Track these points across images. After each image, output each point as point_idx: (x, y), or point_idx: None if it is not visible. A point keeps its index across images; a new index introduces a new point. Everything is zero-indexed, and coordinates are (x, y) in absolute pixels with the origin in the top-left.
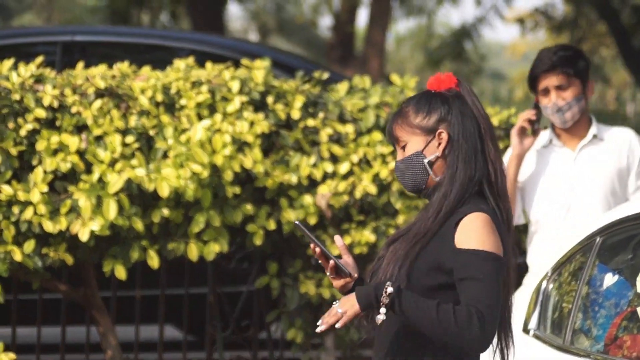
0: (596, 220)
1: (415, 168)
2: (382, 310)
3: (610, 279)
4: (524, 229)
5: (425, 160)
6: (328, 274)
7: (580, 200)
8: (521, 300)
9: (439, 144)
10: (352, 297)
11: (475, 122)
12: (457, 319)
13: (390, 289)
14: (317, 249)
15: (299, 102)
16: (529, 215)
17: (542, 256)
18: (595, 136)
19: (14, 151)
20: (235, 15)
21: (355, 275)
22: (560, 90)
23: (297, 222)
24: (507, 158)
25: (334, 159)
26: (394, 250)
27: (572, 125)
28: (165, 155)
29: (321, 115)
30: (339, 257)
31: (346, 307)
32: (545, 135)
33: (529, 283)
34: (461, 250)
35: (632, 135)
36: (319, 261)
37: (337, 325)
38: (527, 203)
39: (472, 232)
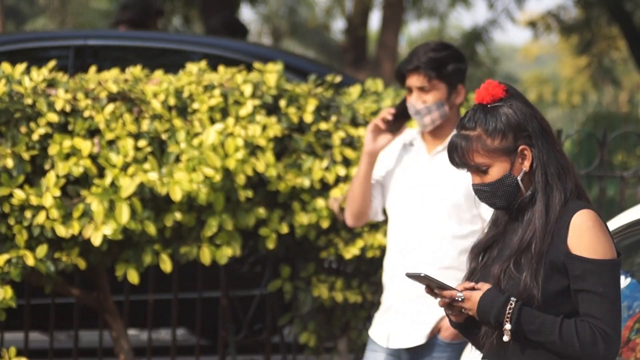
0: (608, 224)
1: (506, 189)
2: (507, 326)
3: (623, 281)
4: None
5: (517, 179)
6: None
7: (424, 209)
8: None
9: (523, 160)
10: (475, 298)
11: (538, 123)
12: (581, 341)
13: (514, 306)
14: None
15: (311, 105)
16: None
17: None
18: None
19: (26, 155)
20: (248, 18)
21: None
22: (422, 92)
23: (423, 274)
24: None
25: (347, 163)
26: (502, 262)
27: (435, 129)
28: (177, 159)
29: (334, 118)
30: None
31: (468, 304)
32: (412, 132)
33: None
34: (577, 257)
35: None
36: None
37: (441, 305)
38: (386, 201)
39: (585, 235)
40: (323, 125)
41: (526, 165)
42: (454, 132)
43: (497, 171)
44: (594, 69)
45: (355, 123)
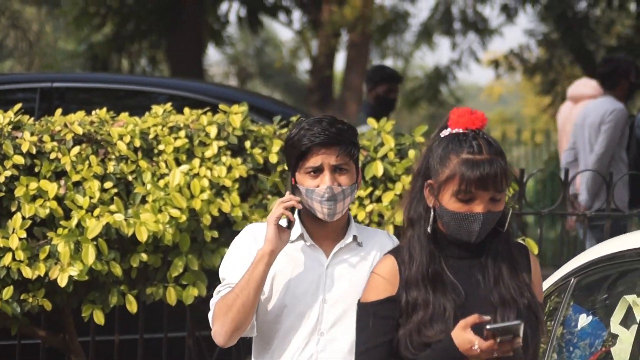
0: (570, 262)
1: (494, 221)
2: None
3: (584, 319)
4: None
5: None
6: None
7: (329, 318)
8: None
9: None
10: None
11: None
12: None
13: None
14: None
15: (276, 146)
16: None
17: None
18: (355, 238)
19: None
20: (215, 60)
21: None
22: (339, 172)
23: (488, 327)
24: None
25: None
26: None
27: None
28: (143, 200)
29: None
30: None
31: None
32: (295, 228)
33: None
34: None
35: (387, 240)
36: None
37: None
38: (270, 310)
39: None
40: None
41: (501, 206)
42: (352, 222)
43: (503, 204)
44: (557, 108)
45: None
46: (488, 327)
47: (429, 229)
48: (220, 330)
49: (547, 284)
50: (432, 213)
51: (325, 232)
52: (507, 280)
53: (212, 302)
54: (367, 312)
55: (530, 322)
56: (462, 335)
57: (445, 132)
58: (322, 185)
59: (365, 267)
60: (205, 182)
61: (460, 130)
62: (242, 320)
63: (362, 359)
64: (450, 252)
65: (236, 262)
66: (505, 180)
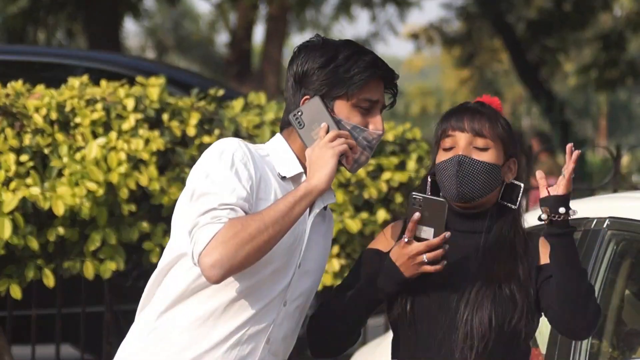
0: None
1: (490, 179)
2: None
3: None
4: None
5: (500, 179)
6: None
7: (297, 288)
8: None
9: (508, 171)
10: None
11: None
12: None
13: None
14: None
15: (194, 119)
16: None
17: None
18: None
19: None
20: (132, 32)
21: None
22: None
23: (413, 193)
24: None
25: None
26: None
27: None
28: (60, 174)
29: (217, 132)
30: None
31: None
32: (290, 160)
33: None
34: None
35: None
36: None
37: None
38: None
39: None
40: (206, 139)
41: (509, 177)
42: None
43: (492, 157)
44: (476, 81)
45: (238, 136)
46: (413, 193)
47: (428, 193)
48: (231, 256)
49: None
50: (429, 178)
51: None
52: (495, 266)
53: (205, 226)
54: (359, 258)
55: (504, 310)
56: (397, 250)
57: None
58: (376, 129)
59: (328, 240)
60: (123, 155)
61: None
62: (258, 258)
63: (332, 295)
64: (453, 223)
65: (234, 179)
66: (491, 127)
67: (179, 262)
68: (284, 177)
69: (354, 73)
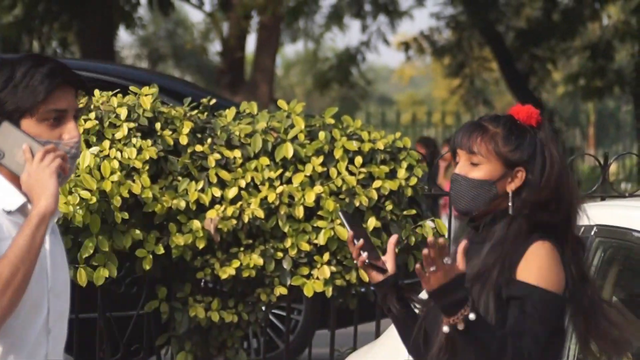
0: None
1: (481, 194)
2: (471, 315)
3: None
4: None
5: (494, 192)
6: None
7: (55, 311)
8: None
9: (512, 181)
10: (452, 274)
11: (552, 167)
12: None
13: (471, 315)
14: (360, 241)
15: (186, 128)
16: None
17: None
18: None
19: None
20: (126, 42)
21: (390, 271)
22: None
23: (341, 211)
24: None
25: (222, 184)
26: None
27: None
28: None
29: (209, 140)
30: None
31: (439, 274)
32: (10, 192)
33: None
34: (519, 282)
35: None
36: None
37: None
38: None
39: (534, 262)
40: (198, 147)
41: (512, 187)
42: None
43: (485, 172)
44: (466, 90)
45: (230, 145)
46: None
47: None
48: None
49: None
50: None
51: None
52: (490, 265)
53: None
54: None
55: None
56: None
57: None
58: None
59: (64, 253)
60: (116, 164)
61: None
62: (20, 299)
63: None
64: (472, 236)
65: None
66: (482, 143)
67: None
68: (10, 211)
69: (32, 88)
